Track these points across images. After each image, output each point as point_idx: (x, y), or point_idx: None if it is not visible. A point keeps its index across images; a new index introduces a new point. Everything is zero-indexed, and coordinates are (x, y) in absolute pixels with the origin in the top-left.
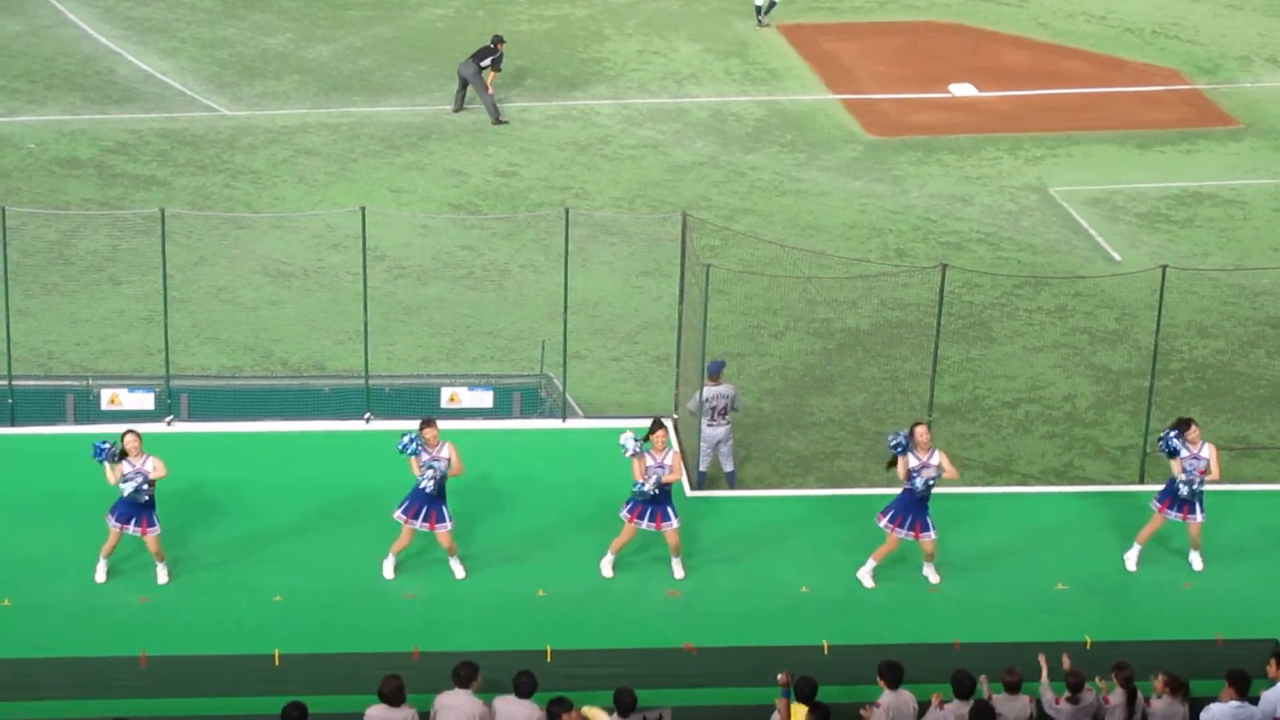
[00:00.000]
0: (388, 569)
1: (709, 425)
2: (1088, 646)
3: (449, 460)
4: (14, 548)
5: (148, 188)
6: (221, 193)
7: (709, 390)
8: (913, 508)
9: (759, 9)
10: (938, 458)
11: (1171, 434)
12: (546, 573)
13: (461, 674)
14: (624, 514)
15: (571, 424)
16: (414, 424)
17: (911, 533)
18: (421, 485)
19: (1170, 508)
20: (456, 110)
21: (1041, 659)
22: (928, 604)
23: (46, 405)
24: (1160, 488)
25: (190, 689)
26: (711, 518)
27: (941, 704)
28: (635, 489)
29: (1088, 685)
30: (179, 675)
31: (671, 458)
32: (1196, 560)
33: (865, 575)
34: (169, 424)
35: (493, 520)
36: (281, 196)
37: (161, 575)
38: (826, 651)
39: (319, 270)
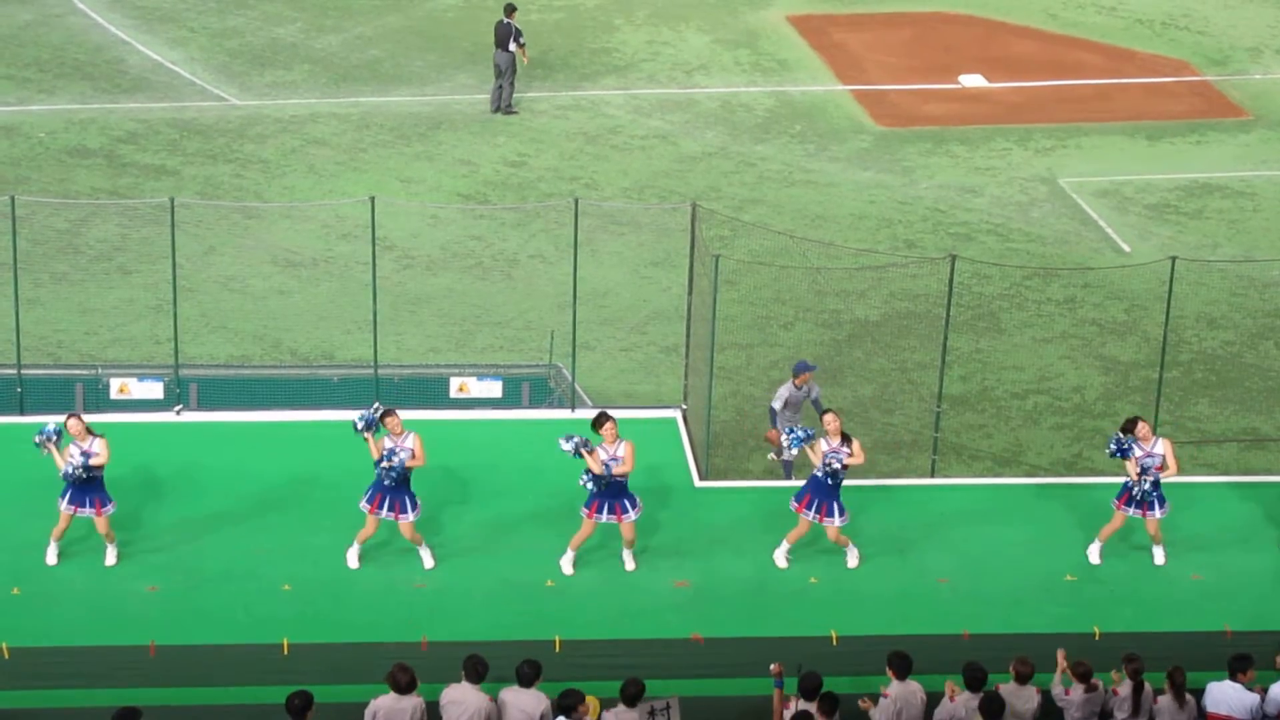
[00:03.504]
0: (352, 558)
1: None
2: (1096, 638)
3: (411, 451)
4: (23, 536)
5: (157, 177)
6: (231, 182)
7: (785, 390)
8: (821, 492)
9: None
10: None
11: (1120, 436)
12: (555, 564)
13: (480, 670)
14: (583, 510)
15: (580, 414)
16: (413, 414)
17: (818, 516)
18: (382, 479)
19: (1127, 504)
20: (496, 110)
21: (1060, 654)
22: (936, 595)
23: (56, 394)
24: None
25: (199, 678)
26: (719, 508)
27: (953, 695)
28: (583, 483)
29: (1096, 677)
30: (188, 664)
31: (623, 449)
32: (1159, 554)
33: (779, 556)
34: (178, 413)
35: (501, 510)
36: (291, 186)
37: (110, 557)
38: (835, 642)
39: (328, 260)
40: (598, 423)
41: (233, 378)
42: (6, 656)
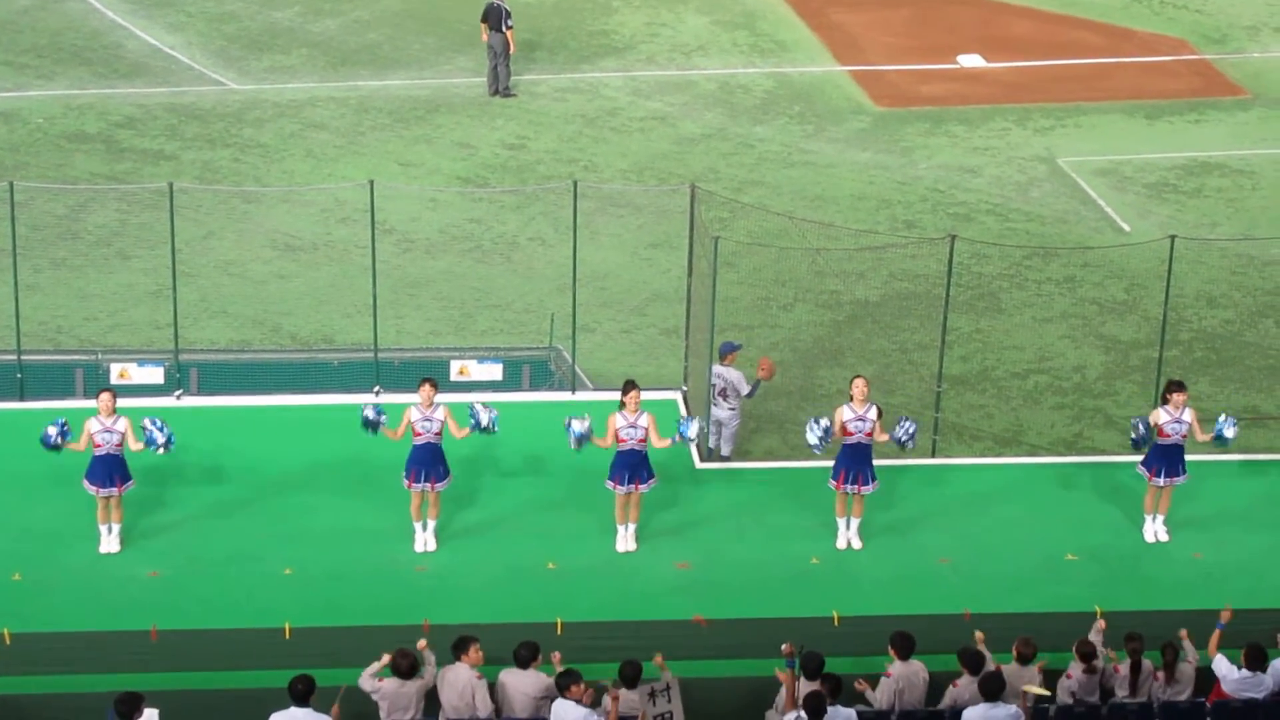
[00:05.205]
0: (418, 541)
1: (713, 405)
2: (1098, 617)
3: (442, 422)
4: (24, 522)
5: (156, 162)
6: (230, 167)
7: (714, 369)
8: (854, 461)
9: None
10: (874, 412)
11: (1141, 425)
12: (556, 545)
13: (462, 643)
14: (607, 484)
15: (581, 396)
16: (413, 397)
17: (856, 486)
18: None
19: (1157, 475)
20: (494, 93)
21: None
22: (938, 575)
23: (56, 380)
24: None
25: (201, 662)
26: (720, 489)
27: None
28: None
29: (1099, 658)
30: (189, 649)
31: (645, 420)
32: (1161, 529)
33: (840, 539)
34: (178, 398)
35: (502, 493)
36: (290, 170)
37: (113, 541)
38: (837, 623)
39: (327, 244)
40: (624, 390)
41: (233, 362)
42: (8, 643)
